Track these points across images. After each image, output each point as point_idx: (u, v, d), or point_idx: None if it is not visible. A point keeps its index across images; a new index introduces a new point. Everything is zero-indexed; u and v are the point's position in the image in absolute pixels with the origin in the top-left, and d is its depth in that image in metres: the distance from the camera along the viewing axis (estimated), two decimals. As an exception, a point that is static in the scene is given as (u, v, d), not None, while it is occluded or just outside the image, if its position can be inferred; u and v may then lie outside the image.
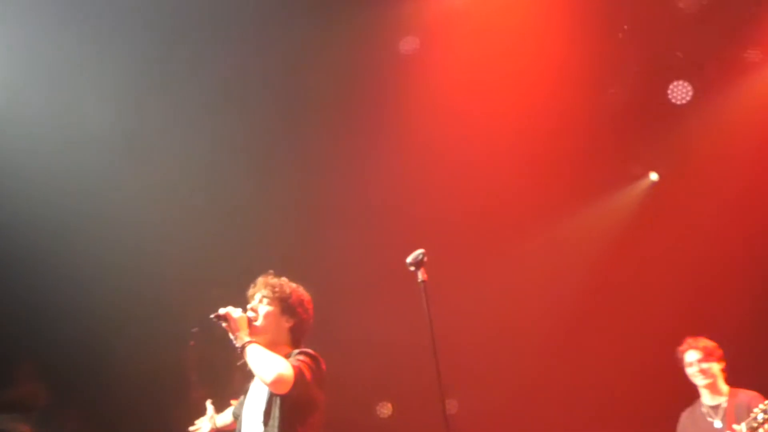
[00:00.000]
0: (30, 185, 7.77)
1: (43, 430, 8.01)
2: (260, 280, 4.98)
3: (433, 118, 8.71)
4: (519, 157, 8.97)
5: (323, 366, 4.74)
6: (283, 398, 4.56)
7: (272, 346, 4.75)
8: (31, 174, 7.77)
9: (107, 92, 7.86)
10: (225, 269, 7.79)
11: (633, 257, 9.36)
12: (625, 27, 8.60)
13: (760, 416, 5.85)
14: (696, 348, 6.46)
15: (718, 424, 6.18)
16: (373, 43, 8.43)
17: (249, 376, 4.82)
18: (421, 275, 4.86)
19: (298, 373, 4.54)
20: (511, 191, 9.07)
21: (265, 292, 4.91)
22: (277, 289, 4.89)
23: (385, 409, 9.31)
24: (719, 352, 6.47)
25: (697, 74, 8.83)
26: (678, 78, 8.81)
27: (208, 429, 5.43)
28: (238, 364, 4.75)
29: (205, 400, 5.49)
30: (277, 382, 4.48)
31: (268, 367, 4.52)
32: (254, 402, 4.76)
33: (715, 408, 6.37)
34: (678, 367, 6.58)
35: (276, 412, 4.58)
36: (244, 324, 4.74)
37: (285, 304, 4.88)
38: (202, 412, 5.46)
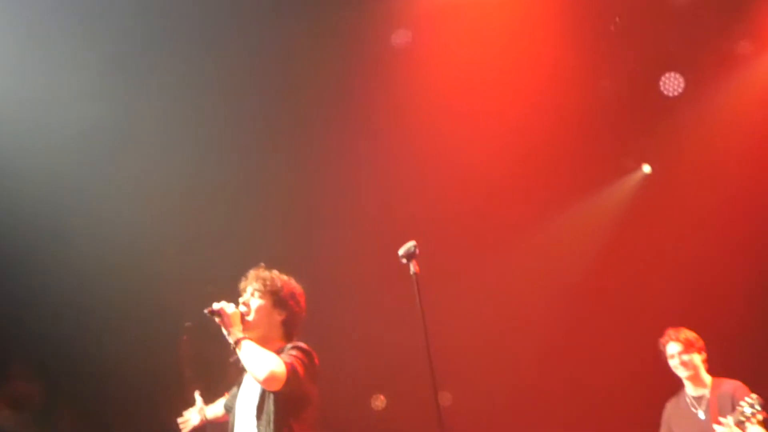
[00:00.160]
0: (22, 183, 7.74)
1: (37, 428, 8.01)
2: (251, 272, 4.96)
3: (424, 113, 8.71)
4: (511, 151, 8.96)
5: (316, 360, 4.73)
6: (276, 394, 4.55)
7: (265, 340, 4.74)
8: (22, 171, 7.74)
9: (97, 88, 7.82)
10: (218, 264, 7.76)
11: (627, 249, 9.37)
12: (617, 19, 8.61)
13: (747, 410, 5.87)
14: (676, 340, 6.44)
15: (701, 415, 6.19)
16: (364, 37, 8.42)
17: (242, 370, 4.81)
18: (413, 267, 4.87)
19: (291, 370, 4.52)
20: (503, 186, 9.07)
21: (256, 285, 4.89)
22: (268, 282, 4.87)
23: (379, 402, 9.32)
24: (700, 342, 6.46)
25: (689, 66, 8.84)
26: (670, 70, 8.83)
27: (198, 421, 5.43)
28: (231, 360, 4.76)
29: (200, 394, 5.50)
30: (270, 380, 4.47)
31: (261, 364, 4.51)
32: (247, 396, 4.75)
33: (699, 399, 6.38)
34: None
35: (269, 406, 4.58)
36: (237, 320, 4.72)
37: (276, 298, 4.85)
38: (193, 404, 5.47)
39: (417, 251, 4.87)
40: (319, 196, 8.76)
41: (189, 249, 8.22)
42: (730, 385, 6.26)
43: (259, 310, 4.85)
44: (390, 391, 9.25)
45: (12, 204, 7.75)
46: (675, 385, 6.64)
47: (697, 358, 6.42)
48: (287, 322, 4.89)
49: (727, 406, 6.08)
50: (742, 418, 5.85)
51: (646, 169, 9.70)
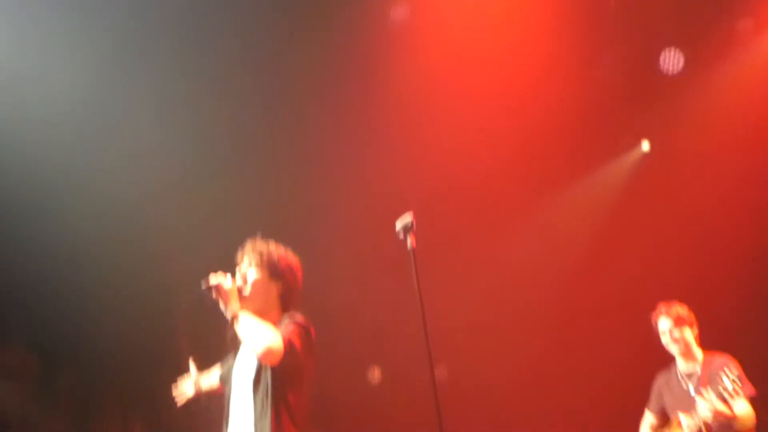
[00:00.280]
0: (14, 156, 7.73)
1: (33, 399, 8.03)
2: (248, 244, 4.96)
3: (422, 90, 8.69)
4: (510, 129, 8.96)
5: (313, 333, 4.74)
6: (274, 367, 4.56)
7: (262, 313, 4.74)
8: (14, 145, 7.72)
9: (90, 61, 7.82)
10: (214, 236, 7.77)
11: (626, 228, 9.37)
12: (617, -5, 8.59)
13: (728, 384, 5.89)
14: (668, 315, 6.45)
15: (692, 391, 6.20)
16: (363, 14, 8.40)
17: (238, 342, 4.82)
18: (409, 241, 4.86)
19: (288, 344, 4.53)
20: (502, 164, 9.07)
21: (253, 257, 4.88)
22: (265, 255, 4.87)
23: (375, 376, 9.35)
24: (691, 317, 6.46)
25: (689, 43, 8.81)
26: (669, 47, 8.80)
27: (192, 392, 5.42)
28: (229, 334, 4.76)
29: (196, 366, 5.50)
30: (267, 353, 4.48)
31: (258, 338, 4.51)
32: (244, 368, 4.76)
33: (690, 374, 6.39)
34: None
35: (266, 379, 4.59)
36: (235, 294, 4.72)
37: (273, 270, 4.85)
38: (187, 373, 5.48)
39: (414, 225, 4.87)
40: (317, 168, 8.76)
41: (185, 222, 8.22)
42: (721, 360, 6.26)
43: (255, 282, 4.85)
44: (386, 365, 9.29)
45: (3, 179, 7.74)
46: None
47: (689, 334, 6.41)
48: (284, 295, 4.89)
49: (717, 380, 6.09)
50: (723, 392, 5.88)
51: (645, 146, 9.68)
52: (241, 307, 4.69)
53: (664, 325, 6.46)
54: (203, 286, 4.73)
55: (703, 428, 6.07)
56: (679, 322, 6.41)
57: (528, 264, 9.27)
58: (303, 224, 8.37)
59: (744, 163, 8.95)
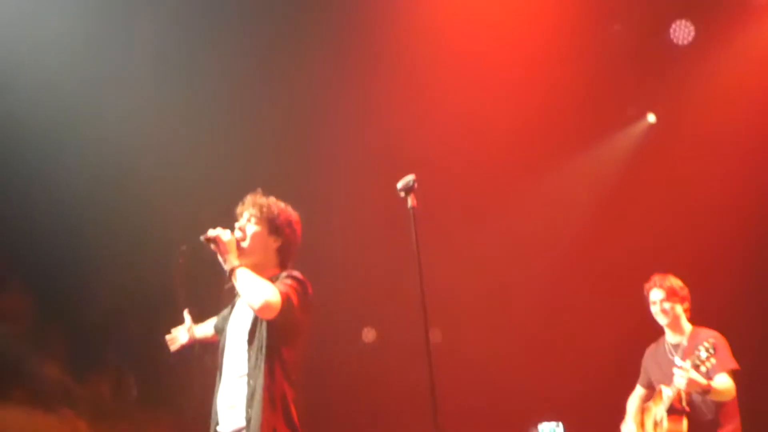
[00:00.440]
0: (15, 102, 7.69)
1: (27, 344, 8.05)
2: (248, 198, 4.94)
3: (429, 52, 8.66)
4: (516, 95, 8.91)
5: (310, 290, 4.74)
6: (270, 321, 4.56)
7: (259, 267, 4.74)
8: (14, 90, 7.69)
9: (92, 6, 7.78)
10: (214, 189, 7.77)
11: (629, 201, 9.35)
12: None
13: (703, 354, 5.91)
14: (660, 287, 6.47)
15: (678, 361, 6.22)
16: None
17: (236, 294, 4.83)
18: (410, 201, 4.85)
19: (286, 299, 4.54)
20: (507, 130, 9.03)
21: (253, 211, 4.87)
22: (264, 209, 4.85)
23: (369, 335, 9.38)
24: (684, 291, 6.48)
25: (700, 14, 8.74)
26: (680, 18, 8.73)
27: (186, 339, 5.46)
28: (226, 287, 4.76)
29: (192, 317, 5.52)
30: (265, 308, 4.48)
31: (256, 292, 4.51)
32: (239, 320, 4.77)
33: (677, 346, 6.42)
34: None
35: (262, 333, 4.59)
36: (233, 247, 4.71)
37: (273, 225, 4.85)
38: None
39: (416, 185, 4.85)
40: (320, 122, 8.72)
41: (186, 174, 8.20)
42: (707, 333, 6.28)
43: (254, 236, 4.84)
44: (381, 325, 9.31)
45: (2, 125, 7.71)
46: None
47: (679, 308, 6.44)
48: (282, 250, 4.89)
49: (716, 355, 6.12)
50: (698, 362, 5.90)
51: (651, 118, 9.64)
52: (239, 261, 4.68)
53: (655, 295, 6.49)
54: (202, 238, 4.72)
55: (684, 400, 6.10)
56: (671, 294, 6.43)
57: (529, 232, 9.27)
58: (303, 180, 8.36)
59: (750, 139, 8.90)
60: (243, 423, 4.50)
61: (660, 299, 6.46)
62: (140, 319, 8.11)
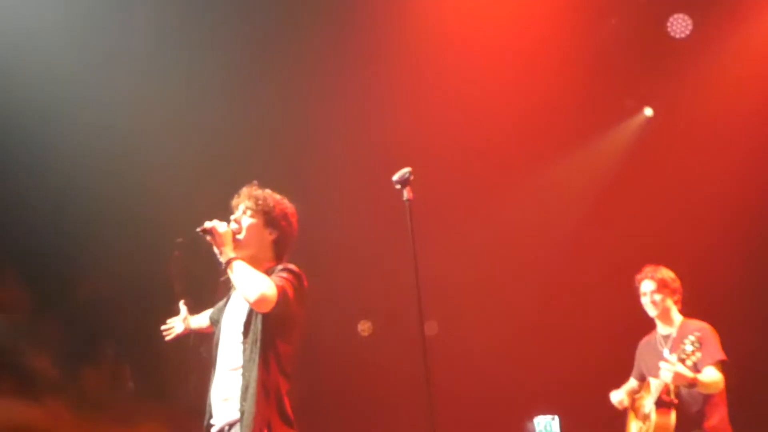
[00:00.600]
0: (12, 86, 7.68)
1: (24, 333, 8.04)
2: (244, 190, 4.92)
3: (428, 45, 8.66)
4: (514, 88, 8.92)
5: (305, 282, 4.73)
6: (265, 314, 4.56)
7: (255, 259, 4.74)
8: (12, 73, 7.68)
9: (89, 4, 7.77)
10: (211, 180, 7.76)
11: (627, 192, 9.34)
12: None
13: (689, 347, 5.92)
14: (652, 278, 6.46)
15: (666, 353, 6.22)
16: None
17: (231, 286, 4.82)
18: (406, 194, 4.85)
19: (281, 293, 4.53)
20: (505, 123, 9.03)
21: (248, 203, 4.86)
22: (260, 201, 4.84)
23: (365, 328, 9.38)
24: (676, 283, 6.46)
25: (697, 8, 8.74)
26: (678, 11, 8.72)
27: (181, 329, 5.47)
28: (222, 279, 4.76)
29: (188, 309, 5.52)
30: (260, 301, 4.48)
31: (252, 285, 4.50)
32: (235, 312, 4.77)
33: (666, 337, 6.42)
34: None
35: (257, 325, 4.59)
36: (229, 239, 4.70)
37: (268, 217, 4.83)
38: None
39: (411, 178, 4.85)
40: (317, 113, 8.70)
41: (182, 165, 8.18)
42: (697, 325, 6.28)
43: (250, 228, 4.83)
44: (377, 317, 9.32)
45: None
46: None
47: (669, 300, 6.43)
48: (278, 242, 4.88)
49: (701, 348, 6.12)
50: (683, 356, 5.91)
51: (648, 112, 9.64)
52: (235, 253, 4.68)
53: (646, 286, 6.49)
54: (198, 230, 4.71)
55: (672, 392, 6.10)
56: (661, 285, 6.43)
57: (526, 225, 9.27)
58: (299, 172, 8.35)
59: (748, 132, 8.90)
60: (237, 416, 4.50)
61: (650, 290, 6.45)
62: (136, 311, 8.10)
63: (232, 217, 4.87)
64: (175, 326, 5.50)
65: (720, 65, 8.85)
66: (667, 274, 6.47)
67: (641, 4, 8.79)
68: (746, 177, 8.93)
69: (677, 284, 6.47)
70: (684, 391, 6.10)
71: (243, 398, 4.49)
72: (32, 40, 7.68)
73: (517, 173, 9.31)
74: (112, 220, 8.11)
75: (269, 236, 4.85)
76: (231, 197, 4.96)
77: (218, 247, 4.69)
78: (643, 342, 6.68)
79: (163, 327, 5.54)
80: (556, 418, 8.28)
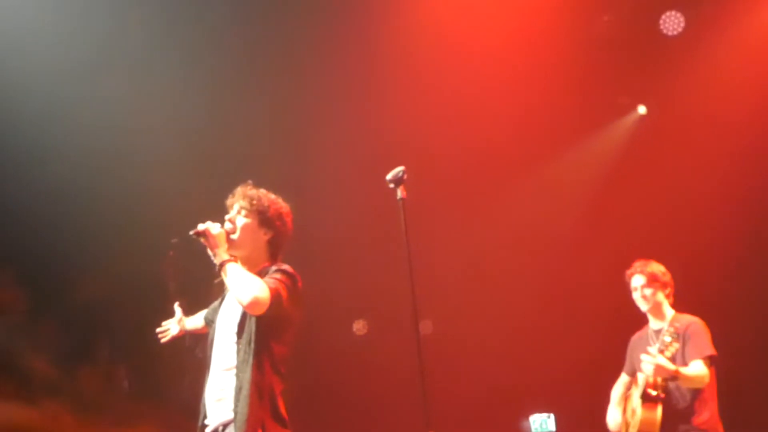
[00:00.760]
0: (6, 89, 7.68)
1: (20, 334, 8.04)
2: (239, 190, 4.91)
3: (421, 45, 8.67)
4: (507, 86, 8.92)
5: (299, 283, 4.72)
6: (258, 316, 4.55)
7: (249, 260, 4.74)
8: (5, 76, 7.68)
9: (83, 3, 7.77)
10: (206, 180, 7.76)
11: (622, 191, 9.35)
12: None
13: (667, 338, 5.95)
14: (642, 273, 6.44)
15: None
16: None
17: (225, 288, 4.81)
18: (400, 193, 4.85)
19: (275, 295, 4.52)
20: (498, 122, 9.04)
21: (243, 203, 4.84)
22: (255, 201, 4.82)
23: (360, 327, 9.39)
24: (666, 277, 6.44)
25: (690, 5, 8.75)
26: (670, 9, 8.74)
27: (177, 331, 5.46)
28: (216, 281, 4.75)
29: (183, 310, 5.52)
30: (253, 305, 4.46)
31: (245, 288, 4.49)
32: (229, 313, 4.75)
33: (657, 332, 6.38)
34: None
35: (251, 326, 4.57)
36: (223, 240, 4.69)
37: (263, 217, 4.81)
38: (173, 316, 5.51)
39: (405, 177, 4.85)
40: (311, 116, 8.71)
41: (178, 164, 8.18)
42: (687, 320, 6.27)
43: (244, 228, 4.82)
44: (371, 317, 9.32)
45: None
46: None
47: (660, 294, 6.41)
48: (273, 242, 4.86)
49: (679, 339, 6.12)
50: (662, 347, 5.92)
51: (642, 110, 9.65)
52: (229, 252, 4.67)
53: (636, 281, 6.47)
54: (191, 233, 4.70)
55: (659, 387, 6.09)
56: (651, 280, 6.41)
57: (520, 224, 9.28)
58: (293, 171, 8.36)
59: (741, 129, 8.90)
60: (231, 416, 4.49)
61: (641, 285, 6.43)
62: (131, 311, 8.11)
63: (226, 217, 4.85)
64: (170, 328, 5.50)
65: (712, 62, 8.86)
66: (657, 268, 6.46)
67: (634, 2, 8.80)
68: (740, 173, 8.94)
69: (668, 278, 6.46)
70: (672, 385, 6.09)
71: (236, 399, 4.48)
72: (28, 41, 7.68)
73: (511, 171, 9.32)
74: (107, 221, 8.12)
75: (264, 236, 4.83)
76: (226, 197, 4.95)
77: (212, 249, 4.67)
78: (635, 337, 6.67)
79: (158, 329, 5.54)
80: (552, 416, 8.29)
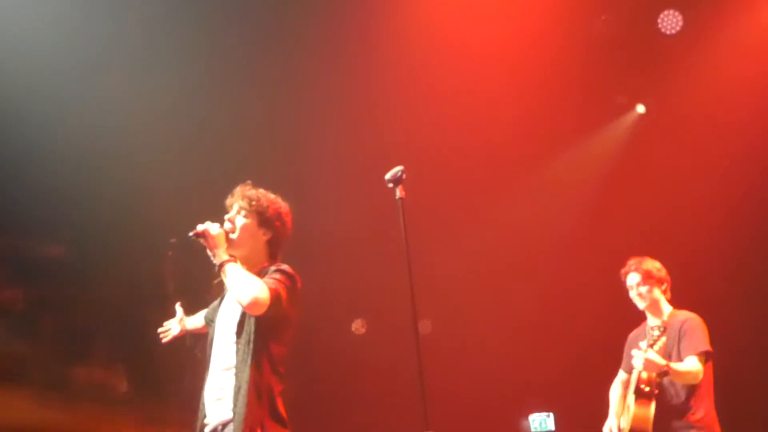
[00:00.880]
0: (6, 95, 7.68)
1: (18, 333, 8.04)
2: (238, 190, 4.89)
3: (419, 45, 8.68)
4: (506, 86, 8.92)
5: (299, 283, 4.71)
6: (258, 316, 4.55)
7: (249, 260, 4.73)
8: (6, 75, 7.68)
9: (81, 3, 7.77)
10: (205, 180, 7.76)
11: (621, 190, 9.36)
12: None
13: (656, 332, 5.98)
14: (637, 271, 6.40)
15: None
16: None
17: (225, 288, 4.81)
18: (399, 192, 4.85)
19: (275, 295, 4.51)
20: (497, 121, 9.04)
21: (242, 203, 4.83)
22: (254, 201, 4.81)
23: (359, 327, 9.39)
24: (661, 273, 6.40)
25: (688, 4, 8.75)
26: (669, 7, 8.74)
27: (178, 331, 5.46)
28: (215, 282, 4.75)
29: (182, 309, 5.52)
30: (253, 305, 4.46)
31: (245, 289, 4.48)
32: (228, 312, 4.75)
33: (654, 329, 6.38)
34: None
35: (250, 326, 4.57)
36: (222, 240, 4.68)
37: (262, 217, 4.80)
38: (174, 317, 5.50)
39: (404, 176, 4.85)
40: (310, 116, 8.70)
41: (177, 164, 8.18)
42: (683, 316, 6.23)
43: (244, 228, 4.81)
44: (370, 316, 9.32)
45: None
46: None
47: (656, 291, 6.37)
48: (272, 243, 4.86)
49: (675, 336, 6.11)
50: (651, 341, 5.93)
51: (640, 109, 9.65)
52: (228, 252, 4.67)
53: (632, 279, 6.43)
54: (190, 234, 4.70)
55: (653, 383, 6.08)
56: (647, 277, 6.37)
57: (519, 223, 9.29)
58: (292, 171, 8.36)
59: (739, 128, 8.91)
60: (230, 416, 4.48)
61: (636, 283, 6.40)
62: (130, 310, 8.11)
63: (226, 217, 4.85)
64: (171, 328, 5.49)
65: (711, 61, 8.86)
66: (651, 264, 6.42)
67: (632, 1, 8.80)
68: (739, 172, 8.95)
69: (663, 273, 6.42)
70: (666, 381, 6.07)
71: (235, 399, 4.47)
72: (28, 41, 7.68)
73: (510, 171, 9.32)
74: (106, 221, 8.12)
75: (263, 236, 4.83)
76: (225, 197, 4.95)
77: (211, 250, 4.67)
78: (633, 334, 6.64)
79: (159, 329, 5.53)
80: (551, 415, 8.30)
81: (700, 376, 6.00)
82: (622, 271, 6.52)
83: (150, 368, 8.18)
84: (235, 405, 4.47)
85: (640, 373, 6.03)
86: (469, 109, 8.95)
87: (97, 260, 8.19)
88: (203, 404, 4.68)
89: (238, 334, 4.61)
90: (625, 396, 6.62)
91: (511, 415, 8.69)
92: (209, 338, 4.84)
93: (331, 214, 8.55)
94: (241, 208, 4.84)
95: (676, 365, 5.92)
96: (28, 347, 8.09)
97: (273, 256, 4.87)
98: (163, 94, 8.09)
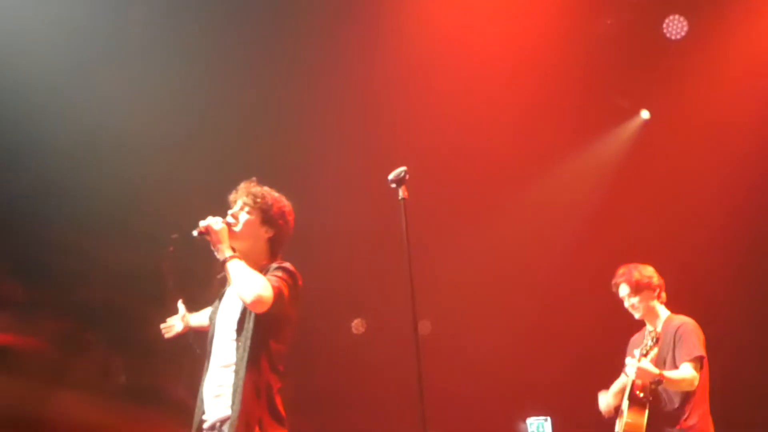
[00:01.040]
0: (6, 84, 7.68)
1: (16, 327, 8.04)
2: (242, 186, 4.90)
3: (422, 47, 8.69)
4: (509, 89, 8.93)
5: (300, 282, 4.73)
6: (259, 313, 4.55)
7: (250, 256, 4.73)
8: (7, 70, 7.67)
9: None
10: (206, 177, 7.76)
11: (624, 195, 9.36)
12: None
13: (649, 341, 5.94)
14: (626, 282, 6.37)
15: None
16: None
17: (225, 283, 4.82)
18: (401, 193, 4.85)
19: (277, 293, 4.53)
20: (499, 124, 9.04)
21: (246, 199, 4.83)
22: (258, 199, 4.81)
23: (358, 326, 9.38)
24: (652, 280, 6.34)
25: (693, 9, 8.75)
26: (674, 12, 8.74)
27: (181, 328, 5.46)
28: (218, 277, 4.75)
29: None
30: (257, 302, 4.47)
31: (249, 286, 4.49)
32: (228, 310, 4.76)
33: (650, 335, 6.38)
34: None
35: (250, 324, 4.58)
36: (225, 236, 4.69)
37: (266, 215, 4.81)
38: (175, 313, 5.50)
39: (407, 177, 4.85)
40: (314, 114, 8.70)
41: (178, 161, 8.18)
42: (679, 321, 6.22)
43: (246, 224, 4.81)
44: (370, 316, 9.32)
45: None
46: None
47: (649, 299, 6.34)
48: (274, 240, 4.86)
49: (670, 342, 6.10)
50: (645, 350, 5.92)
51: (645, 114, 9.65)
52: (230, 245, 4.67)
53: (622, 291, 6.41)
54: (194, 233, 4.70)
55: (647, 389, 6.06)
56: (636, 288, 6.34)
57: (520, 226, 9.28)
58: (295, 169, 8.35)
59: (745, 135, 8.91)
60: (228, 412, 4.49)
61: (626, 294, 6.39)
62: (129, 306, 8.10)
63: (229, 212, 4.85)
64: (174, 325, 5.49)
65: (716, 67, 8.87)
66: (640, 273, 6.37)
67: (637, 5, 8.80)
68: (744, 178, 8.95)
69: (654, 279, 6.36)
70: (660, 388, 6.04)
71: (234, 397, 4.48)
72: (28, 39, 7.67)
73: (512, 173, 9.32)
74: (106, 216, 8.11)
75: (265, 234, 4.83)
76: (226, 193, 4.94)
77: (214, 245, 4.67)
78: (634, 338, 6.63)
79: (162, 325, 5.53)
80: (549, 419, 8.27)
81: (696, 382, 5.99)
82: (612, 282, 6.48)
83: (149, 363, 8.18)
84: (233, 402, 4.47)
85: (634, 381, 6.03)
86: (472, 110, 8.95)
87: (97, 255, 8.18)
88: (202, 401, 4.68)
89: (238, 331, 4.62)
90: (623, 393, 6.61)
91: (508, 418, 8.65)
92: (209, 335, 4.85)
93: (333, 213, 8.55)
94: (245, 204, 4.84)
95: (669, 373, 5.92)
96: (26, 341, 8.09)
97: (273, 254, 4.88)
98: (165, 92, 8.09)
